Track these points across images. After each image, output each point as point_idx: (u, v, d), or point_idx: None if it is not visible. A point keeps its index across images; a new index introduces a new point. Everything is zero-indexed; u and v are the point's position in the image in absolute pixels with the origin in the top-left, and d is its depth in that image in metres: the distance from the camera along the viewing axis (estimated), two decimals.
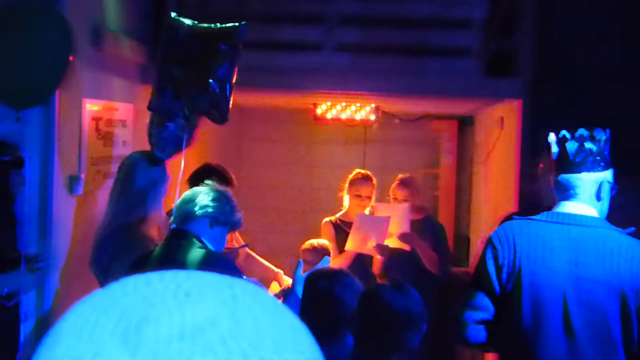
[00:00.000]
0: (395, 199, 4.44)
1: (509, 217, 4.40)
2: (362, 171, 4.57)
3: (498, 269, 2.44)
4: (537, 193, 3.52)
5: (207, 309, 0.46)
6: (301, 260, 2.93)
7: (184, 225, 2.81)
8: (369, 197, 4.46)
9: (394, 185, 4.50)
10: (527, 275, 2.38)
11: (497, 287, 2.44)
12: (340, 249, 4.39)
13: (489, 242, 2.45)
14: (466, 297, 2.45)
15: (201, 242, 2.78)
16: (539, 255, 2.40)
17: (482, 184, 6.02)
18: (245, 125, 7.48)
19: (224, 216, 2.81)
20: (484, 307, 2.43)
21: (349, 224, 4.42)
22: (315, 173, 7.36)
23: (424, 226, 4.48)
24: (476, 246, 6.26)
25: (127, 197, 3.25)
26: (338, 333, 2.33)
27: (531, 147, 4.35)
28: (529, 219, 2.45)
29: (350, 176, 4.54)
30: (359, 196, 4.43)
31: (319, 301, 2.47)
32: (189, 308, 0.46)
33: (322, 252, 3.98)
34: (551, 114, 4.30)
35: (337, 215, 4.56)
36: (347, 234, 4.37)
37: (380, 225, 4.26)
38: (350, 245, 4.25)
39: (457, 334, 2.46)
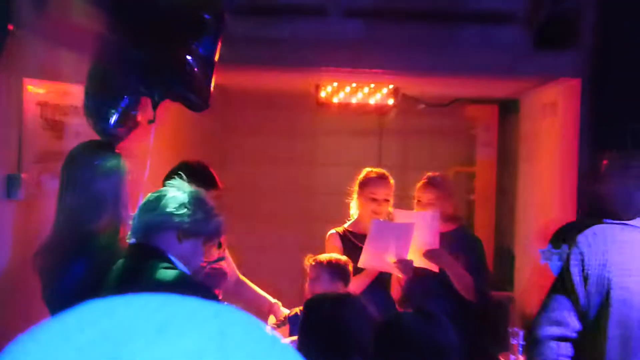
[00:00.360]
0: (419, 202, 4.44)
1: (567, 227, 4.45)
2: (377, 169, 4.57)
3: (584, 278, 2.43)
4: (604, 196, 3.51)
5: (187, 347, 0.45)
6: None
7: (145, 239, 2.80)
8: (387, 201, 4.46)
9: (419, 185, 4.50)
10: (617, 291, 2.37)
11: (582, 299, 2.43)
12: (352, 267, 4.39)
13: (576, 245, 2.44)
14: (544, 308, 2.45)
15: (168, 260, 2.77)
16: (633, 268, 2.39)
17: (530, 185, 6.02)
18: (232, 114, 7.48)
19: (195, 226, 2.80)
20: (565, 322, 2.40)
21: (360, 236, 4.42)
22: (319, 172, 7.37)
23: (456, 240, 4.47)
24: (523, 264, 6.26)
25: (76, 199, 3.25)
26: None
27: (593, 137, 4.35)
28: (623, 223, 2.44)
29: (360, 176, 4.54)
30: (374, 200, 4.44)
31: (323, 329, 2.49)
32: (165, 347, 0.44)
33: (339, 271, 3.98)
34: (618, 95, 4.29)
35: (345, 225, 4.56)
36: (358, 249, 4.36)
37: (402, 234, 4.26)
38: (363, 261, 4.25)
39: (532, 354, 2.45)
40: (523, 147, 6.39)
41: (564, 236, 4.34)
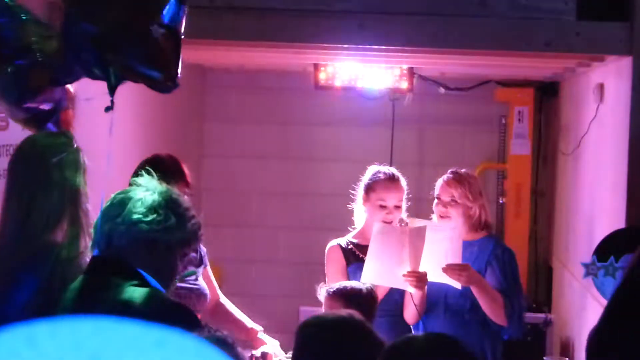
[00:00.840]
0: (439, 201, 4.46)
1: (617, 235, 4.44)
2: (385, 169, 4.57)
3: None
4: None
5: None
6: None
7: (110, 251, 2.79)
8: (398, 208, 4.46)
9: (440, 182, 4.51)
10: None
11: None
12: (355, 278, 4.36)
13: None
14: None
15: (138, 275, 2.76)
16: None
17: (573, 185, 6.03)
18: (211, 98, 7.50)
19: (169, 233, 2.79)
20: None
21: (363, 248, 4.42)
22: (317, 170, 7.38)
23: (484, 251, 4.47)
24: (562, 281, 6.26)
25: (28, 203, 3.24)
26: None
27: None
28: None
29: (366, 178, 4.54)
30: (382, 207, 4.44)
31: (320, 358, 2.50)
32: None
33: (363, 303, 3.95)
34: None
35: (349, 236, 4.57)
36: (360, 260, 4.38)
37: (414, 241, 4.28)
38: (367, 274, 4.25)
39: None
40: (564, 139, 6.40)
41: (612, 247, 4.34)
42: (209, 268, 4.56)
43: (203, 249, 4.34)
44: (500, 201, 7.07)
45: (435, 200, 4.50)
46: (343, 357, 2.47)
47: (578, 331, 5.63)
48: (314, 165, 7.33)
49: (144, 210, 2.78)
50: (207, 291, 4.36)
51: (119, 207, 2.81)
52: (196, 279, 4.34)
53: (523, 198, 6.88)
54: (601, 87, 5.10)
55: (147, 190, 2.84)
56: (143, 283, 2.74)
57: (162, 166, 3.89)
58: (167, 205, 2.80)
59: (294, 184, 7.41)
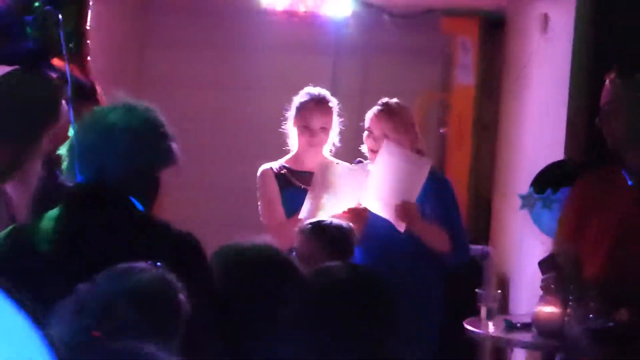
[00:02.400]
0: (369, 134, 4.39)
1: (555, 168, 4.41)
2: (315, 90, 4.48)
3: None
4: (606, 133, 3.47)
5: None
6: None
7: (100, 181, 2.68)
8: (325, 130, 4.39)
9: (370, 114, 4.42)
10: None
11: None
12: (290, 212, 4.36)
13: None
14: None
15: (129, 203, 2.67)
16: None
17: (515, 117, 5.99)
18: (148, 22, 7.29)
19: (161, 160, 2.71)
20: None
21: (300, 174, 4.41)
22: (258, 98, 7.24)
23: (426, 181, 4.42)
24: (501, 214, 6.26)
25: None
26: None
27: (591, 59, 4.30)
28: None
29: (297, 98, 4.47)
30: (306, 128, 4.37)
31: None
32: None
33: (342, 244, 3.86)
34: (626, 7, 4.22)
35: (282, 160, 4.51)
36: (298, 190, 4.36)
37: (356, 179, 4.28)
38: (307, 212, 4.24)
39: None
40: (507, 72, 6.35)
41: (550, 179, 4.32)
42: None
43: None
44: (441, 132, 7.00)
45: (366, 132, 4.43)
46: (260, 288, 2.43)
47: (517, 265, 5.64)
48: (255, 93, 7.17)
49: (133, 140, 2.68)
50: None
51: (102, 134, 2.70)
52: None
53: (464, 130, 6.82)
54: (545, 17, 5.04)
55: (128, 113, 2.71)
56: (133, 210, 2.67)
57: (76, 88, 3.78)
58: (152, 128, 2.71)
59: (232, 112, 7.28)
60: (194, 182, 7.26)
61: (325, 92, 4.49)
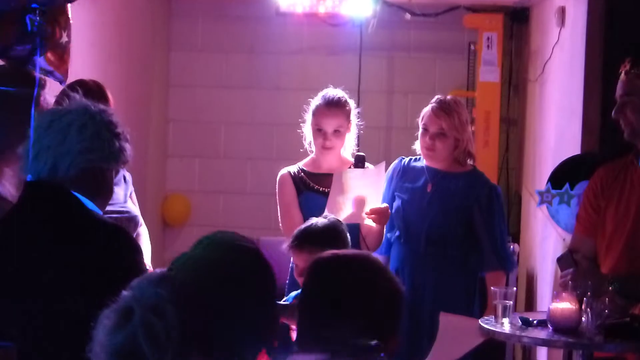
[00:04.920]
0: (425, 132, 4.36)
1: (572, 162, 4.35)
2: (332, 91, 4.41)
3: None
4: (621, 124, 3.42)
5: None
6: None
7: (53, 179, 2.75)
8: (338, 134, 4.33)
9: (427, 111, 4.38)
10: None
11: None
12: (308, 215, 4.28)
13: None
14: None
15: (76, 201, 2.75)
16: None
17: (539, 111, 5.94)
18: (169, 26, 7.32)
19: (113, 158, 2.81)
20: None
21: (316, 176, 4.39)
22: (285, 99, 7.25)
23: (470, 187, 4.41)
24: (529, 210, 6.20)
25: None
26: None
27: (605, 52, 4.24)
28: None
29: (313, 100, 4.42)
30: (320, 131, 4.33)
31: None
32: None
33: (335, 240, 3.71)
34: None
35: (300, 163, 4.48)
36: (313, 192, 4.35)
37: (373, 180, 4.29)
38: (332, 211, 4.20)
39: None
40: (532, 66, 6.29)
41: (567, 174, 4.26)
42: (133, 194, 4.43)
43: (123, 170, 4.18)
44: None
45: (421, 130, 4.40)
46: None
47: (540, 261, 5.58)
48: (281, 94, 7.19)
49: (87, 137, 2.75)
50: (137, 214, 4.30)
51: (58, 133, 2.76)
52: (125, 201, 4.27)
53: (492, 126, 6.77)
54: (562, 10, 4.98)
55: (84, 114, 2.79)
56: (81, 208, 2.74)
57: (86, 92, 3.81)
58: (108, 128, 2.79)
59: (260, 114, 7.29)
60: (225, 186, 7.32)
61: (341, 94, 4.41)
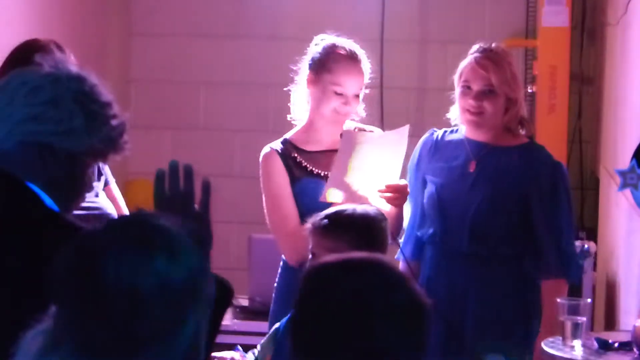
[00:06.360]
0: (467, 92, 4.40)
1: None
2: (343, 41, 4.47)
3: None
4: None
5: None
6: None
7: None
8: (357, 98, 4.41)
9: (467, 63, 4.43)
10: None
11: None
12: (305, 209, 4.34)
13: None
14: None
15: (27, 192, 2.78)
16: None
17: (621, 66, 5.94)
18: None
19: (72, 138, 2.78)
20: None
21: (313, 155, 4.45)
22: (285, 51, 7.27)
23: (527, 164, 4.45)
24: (609, 197, 6.22)
25: None
26: None
27: None
28: None
29: (314, 49, 4.49)
30: (339, 95, 4.37)
31: None
32: None
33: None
34: None
35: (287, 135, 4.53)
36: (315, 178, 4.41)
37: (390, 148, 4.32)
38: (331, 192, 4.25)
39: None
40: (611, 5, 6.29)
41: None
42: (113, 185, 4.55)
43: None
44: (530, 90, 6.98)
45: (460, 90, 4.43)
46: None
47: (624, 264, 5.59)
48: (278, 45, 7.22)
49: (38, 102, 2.76)
50: (111, 212, 4.39)
51: (6, 94, 2.80)
52: (97, 196, 4.37)
53: (560, 86, 6.77)
54: None
55: (48, 75, 2.81)
56: (34, 201, 2.76)
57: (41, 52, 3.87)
58: (75, 99, 2.78)
59: (252, 72, 7.32)
60: (205, 166, 7.35)
61: (356, 46, 4.49)
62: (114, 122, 2.84)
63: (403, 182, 4.32)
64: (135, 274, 1.99)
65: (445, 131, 4.54)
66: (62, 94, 2.78)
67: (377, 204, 4.26)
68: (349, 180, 4.28)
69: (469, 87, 4.38)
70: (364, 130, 4.44)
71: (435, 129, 4.59)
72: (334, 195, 4.26)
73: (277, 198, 4.43)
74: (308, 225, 3.89)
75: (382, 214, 3.96)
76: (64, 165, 2.82)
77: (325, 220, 3.81)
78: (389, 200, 4.26)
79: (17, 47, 4.44)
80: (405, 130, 4.34)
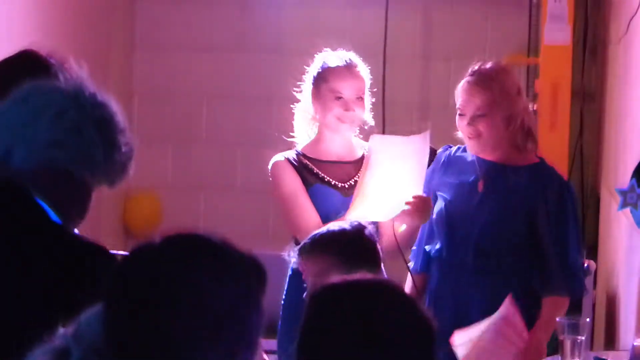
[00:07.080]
0: (462, 115, 4.41)
1: None
2: (338, 53, 4.54)
3: None
4: None
5: None
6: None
7: (3, 171, 2.78)
8: (360, 101, 4.45)
9: (460, 87, 4.43)
10: None
11: None
12: (315, 206, 4.42)
13: None
14: None
15: (36, 208, 2.77)
16: None
17: (623, 84, 5.94)
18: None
19: (89, 166, 2.79)
20: None
21: (324, 165, 4.47)
22: (289, 65, 7.27)
23: (535, 182, 4.45)
24: (610, 215, 6.21)
25: None
26: None
27: None
28: None
29: (314, 67, 4.55)
30: (338, 99, 4.42)
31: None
32: None
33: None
34: None
35: (298, 148, 4.57)
36: (328, 186, 4.43)
37: (413, 154, 4.35)
38: (360, 208, 4.26)
39: None
40: (614, 23, 6.29)
41: None
42: None
43: None
44: (531, 108, 6.97)
45: (457, 114, 4.44)
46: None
47: (624, 283, 5.58)
48: (282, 59, 7.22)
49: (62, 129, 2.76)
50: None
51: (29, 113, 2.78)
52: None
53: (561, 103, 6.76)
54: None
55: (71, 98, 2.79)
56: (41, 218, 2.75)
57: (30, 64, 3.83)
58: (97, 127, 2.78)
59: (255, 86, 7.33)
60: (207, 180, 7.36)
61: (352, 55, 4.56)
62: (125, 148, 2.85)
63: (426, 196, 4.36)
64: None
65: (459, 147, 4.54)
66: (86, 122, 2.78)
67: (400, 219, 4.32)
68: (373, 194, 4.31)
69: (462, 114, 4.40)
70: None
71: (450, 144, 4.59)
72: (360, 211, 4.26)
73: (293, 196, 4.45)
74: (294, 249, 3.88)
75: (363, 227, 3.87)
76: (78, 190, 2.84)
77: (308, 241, 3.79)
78: (411, 213, 4.28)
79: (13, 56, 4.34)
80: (426, 135, 4.41)
